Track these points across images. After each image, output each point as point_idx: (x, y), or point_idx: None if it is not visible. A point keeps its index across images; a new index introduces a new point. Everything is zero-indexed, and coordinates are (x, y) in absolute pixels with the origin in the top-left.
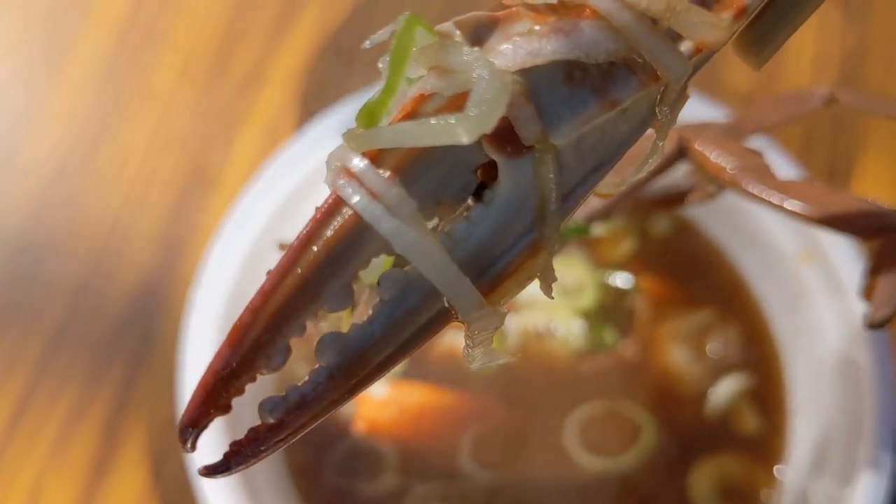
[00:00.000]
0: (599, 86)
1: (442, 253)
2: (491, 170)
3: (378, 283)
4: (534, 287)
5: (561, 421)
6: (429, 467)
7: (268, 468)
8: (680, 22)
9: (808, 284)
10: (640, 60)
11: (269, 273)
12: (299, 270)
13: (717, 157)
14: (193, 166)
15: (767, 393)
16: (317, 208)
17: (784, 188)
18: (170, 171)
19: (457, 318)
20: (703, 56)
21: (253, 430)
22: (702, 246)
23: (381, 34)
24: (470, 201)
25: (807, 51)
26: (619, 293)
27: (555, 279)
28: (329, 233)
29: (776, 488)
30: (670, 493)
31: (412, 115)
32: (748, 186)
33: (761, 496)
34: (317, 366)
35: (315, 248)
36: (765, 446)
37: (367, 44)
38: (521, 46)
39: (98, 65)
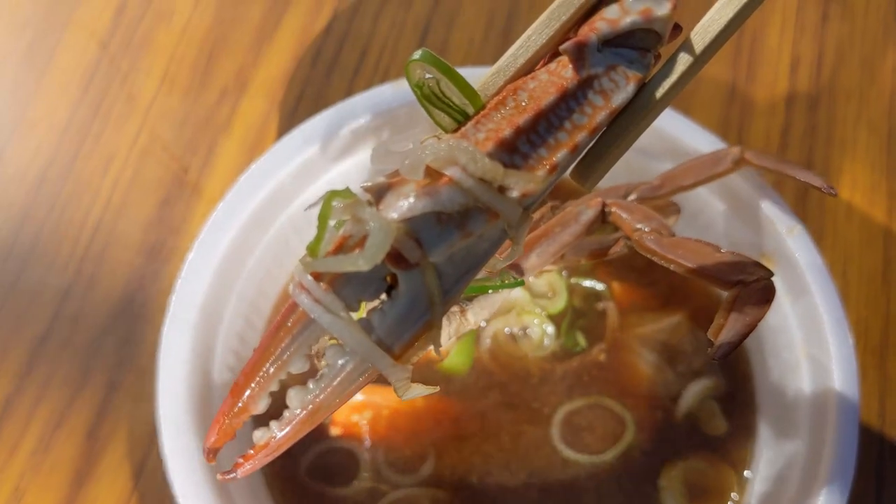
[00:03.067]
0: (459, 223)
1: (362, 334)
2: (396, 278)
3: (324, 355)
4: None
5: (533, 422)
6: (404, 470)
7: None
8: (506, 182)
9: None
10: (483, 206)
11: (254, 350)
12: (272, 349)
13: (628, 220)
14: (175, 173)
15: (736, 396)
16: (283, 309)
17: (673, 246)
18: (151, 177)
19: (377, 373)
20: (533, 197)
21: (251, 450)
22: None
23: (315, 202)
24: (383, 297)
25: (785, 54)
26: (590, 298)
27: (440, 345)
28: (289, 324)
29: (744, 490)
30: (640, 495)
31: (339, 248)
32: (647, 244)
33: (730, 498)
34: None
35: (281, 334)
36: (733, 448)
37: (305, 210)
38: (404, 203)
39: (79, 72)
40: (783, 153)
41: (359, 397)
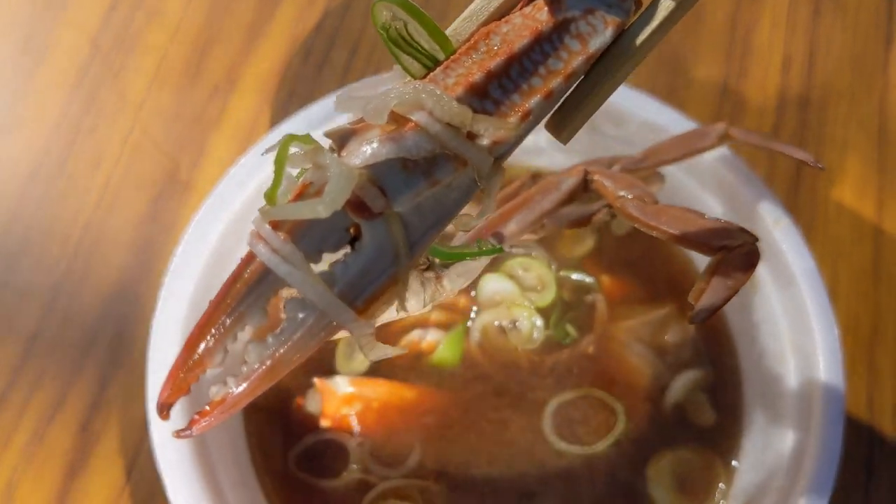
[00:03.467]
0: (426, 170)
1: (322, 286)
2: (359, 229)
3: (283, 307)
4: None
5: (523, 414)
6: (392, 462)
7: (233, 464)
8: (476, 128)
9: (760, 278)
10: (451, 153)
11: (210, 302)
12: (228, 301)
13: (611, 187)
14: (166, 169)
15: (724, 387)
16: (240, 260)
17: (657, 213)
18: (143, 174)
19: (340, 328)
20: (505, 145)
21: (207, 406)
22: (658, 243)
23: (271, 146)
24: (347, 249)
25: (776, 50)
26: (579, 291)
27: (405, 301)
28: (246, 275)
29: (732, 480)
30: (628, 485)
31: (300, 196)
32: (630, 210)
33: (717, 488)
34: (246, 362)
35: (238, 286)
36: (721, 439)
37: (262, 154)
38: (367, 149)
39: (70, 69)
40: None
41: (348, 389)
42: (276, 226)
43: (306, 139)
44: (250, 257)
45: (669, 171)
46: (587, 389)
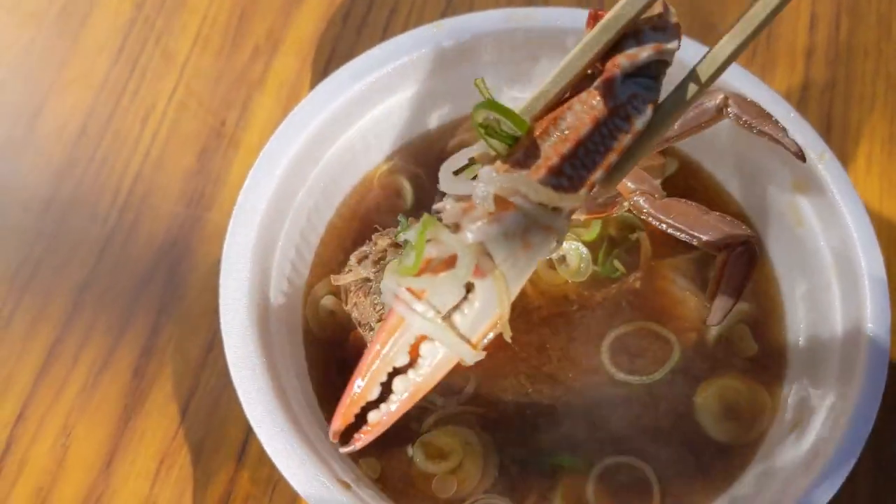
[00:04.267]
0: (522, 238)
1: (451, 333)
2: (472, 284)
3: (419, 349)
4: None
5: (576, 345)
6: (449, 393)
7: (301, 392)
8: (559, 204)
9: (804, 213)
10: (541, 224)
11: (364, 352)
12: (379, 349)
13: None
14: (212, 126)
15: (767, 320)
16: (384, 319)
17: (665, 209)
18: (188, 130)
19: (459, 359)
20: (576, 210)
21: (368, 426)
22: (702, 183)
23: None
24: (464, 299)
25: (804, 8)
26: (624, 229)
27: (509, 332)
28: (392, 329)
29: (776, 411)
30: (677, 413)
31: (427, 268)
32: (641, 205)
33: (762, 418)
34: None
35: (384, 337)
36: (765, 370)
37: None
38: (480, 228)
39: (114, 32)
40: (804, 109)
41: None
42: (410, 290)
43: (432, 222)
44: (392, 314)
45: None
46: (642, 322)
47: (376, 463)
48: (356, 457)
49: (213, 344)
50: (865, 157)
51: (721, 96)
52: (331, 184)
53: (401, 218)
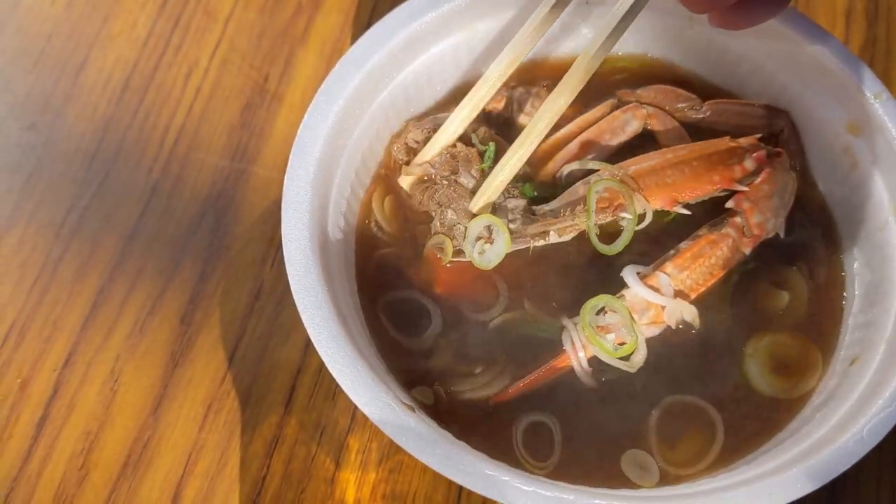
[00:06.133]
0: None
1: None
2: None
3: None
4: None
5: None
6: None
7: (350, 294)
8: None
9: (860, 156)
10: None
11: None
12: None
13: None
14: (255, 81)
15: (824, 270)
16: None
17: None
18: (231, 85)
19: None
20: None
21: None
22: None
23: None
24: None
25: None
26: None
27: None
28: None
29: (826, 370)
30: (726, 360)
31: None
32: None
33: (811, 377)
34: None
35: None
36: (819, 327)
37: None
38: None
39: None
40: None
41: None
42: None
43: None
44: (564, 357)
45: (770, 57)
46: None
47: (429, 391)
48: (409, 387)
49: (260, 293)
50: None
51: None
52: (384, 125)
53: (490, 145)
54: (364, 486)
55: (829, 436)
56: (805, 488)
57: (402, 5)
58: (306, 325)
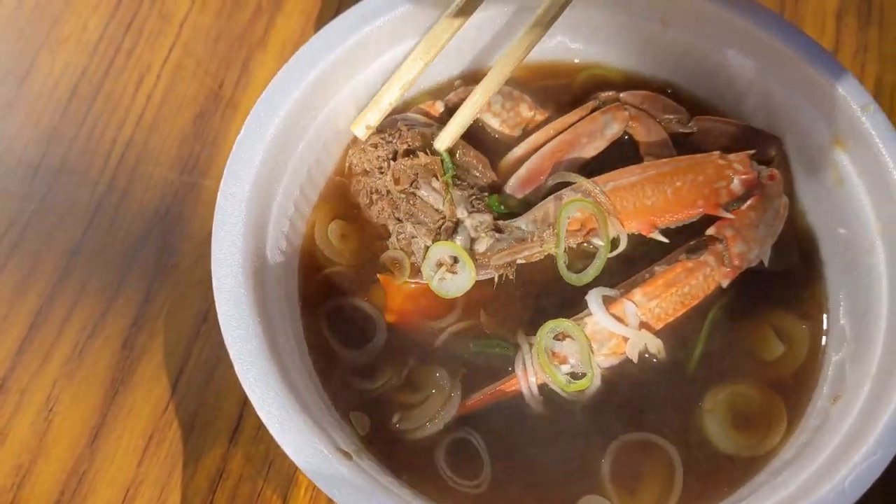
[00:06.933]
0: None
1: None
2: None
3: None
4: None
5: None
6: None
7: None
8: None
9: (845, 170)
10: None
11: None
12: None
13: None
14: (209, 88)
15: (805, 286)
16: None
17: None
18: (185, 92)
19: None
20: None
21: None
22: None
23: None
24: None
25: None
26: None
27: None
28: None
29: (800, 421)
30: (690, 406)
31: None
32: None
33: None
34: None
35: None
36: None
37: None
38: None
39: None
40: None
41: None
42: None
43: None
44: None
45: (748, 66)
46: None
47: (365, 418)
48: (346, 411)
49: (208, 315)
50: None
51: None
52: (333, 137)
53: (446, 156)
54: None
55: (807, 487)
56: None
57: (353, 8)
58: (233, 360)
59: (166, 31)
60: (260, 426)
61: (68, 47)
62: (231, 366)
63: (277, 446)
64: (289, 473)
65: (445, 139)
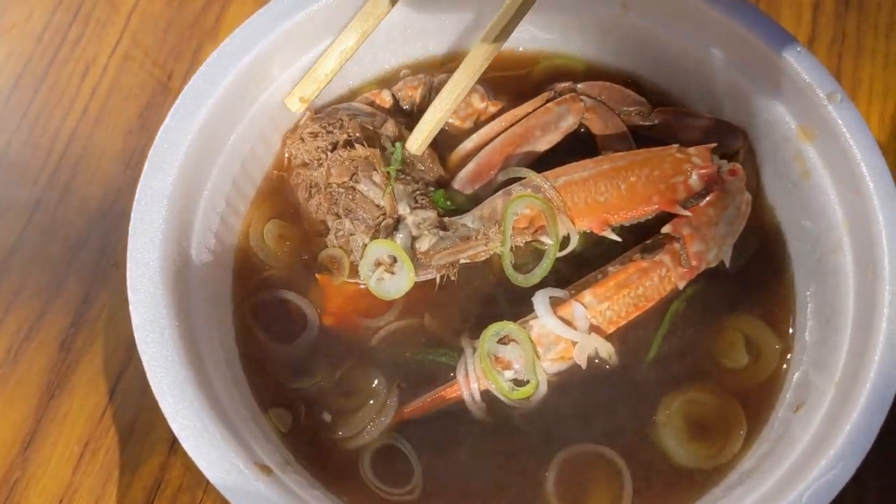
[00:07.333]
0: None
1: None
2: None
3: None
4: None
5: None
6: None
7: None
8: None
9: (812, 164)
10: None
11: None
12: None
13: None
14: (158, 79)
15: (772, 287)
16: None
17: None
18: (132, 84)
19: None
20: None
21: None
22: None
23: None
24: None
25: None
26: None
27: None
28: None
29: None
30: (640, 416)
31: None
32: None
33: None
34: None
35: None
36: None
37: None
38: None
39: None
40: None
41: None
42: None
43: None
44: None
45: (713, 54)
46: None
47: (286, 414)
48: (266, 407)
49: None
50: (878, 116)
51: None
52: (269, 126)
53: (398, 146)
54: None
55: (763, 502)
56: None
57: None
58: (145, 366)
59: (114, 20)
60: None
61: (12, 37)
62: None
63: None
64: None
65: (418, 140)
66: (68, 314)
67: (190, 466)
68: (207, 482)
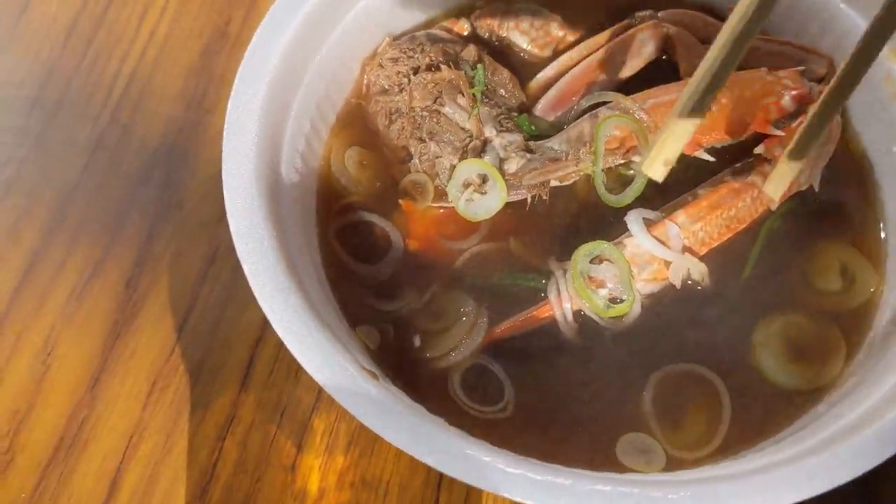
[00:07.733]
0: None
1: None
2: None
3: None
4: None
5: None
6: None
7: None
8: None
9: None
10: None
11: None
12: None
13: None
14: (215, 23)
15: (861, 211)
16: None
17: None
18: (190, 28)
19: None
20: None
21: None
22: None
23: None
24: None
25: None
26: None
27: None
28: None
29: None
30: (737, 337)
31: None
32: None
33: (834, 359)
34: None
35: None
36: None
37: None
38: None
39: None
40: None
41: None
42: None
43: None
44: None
45: None
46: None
47: (374, 332)
48: (353, 325)
49: (215, 257)
50: None
51: None
52: (350, 51)
53: (479, 67)
54: (330, 473)
55: (866, 416)
56: (853, 470)
57: None
58: (248, 274)
59: None
60: (272, 371)
61: None
62: (241, 309)
63: (291, 392)
64: (303, 420)
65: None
66: (132, 253)
67: (263, 403)
68: (280, 418)
